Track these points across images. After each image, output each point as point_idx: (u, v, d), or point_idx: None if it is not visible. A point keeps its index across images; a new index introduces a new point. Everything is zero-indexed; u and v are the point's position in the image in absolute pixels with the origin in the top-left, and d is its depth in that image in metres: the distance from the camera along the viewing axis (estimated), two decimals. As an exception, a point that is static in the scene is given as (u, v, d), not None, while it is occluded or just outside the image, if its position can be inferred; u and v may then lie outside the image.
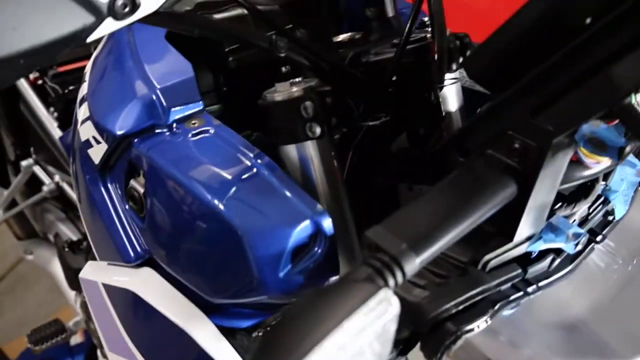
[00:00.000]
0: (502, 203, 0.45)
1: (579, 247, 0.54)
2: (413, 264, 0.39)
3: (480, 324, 0.47)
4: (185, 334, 0.61)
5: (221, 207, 0.55)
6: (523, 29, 0.43)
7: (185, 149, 0.61)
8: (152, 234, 0.65)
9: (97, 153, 0.69)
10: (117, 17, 0.43)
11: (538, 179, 0.45)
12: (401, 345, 0.49)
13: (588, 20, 0.38)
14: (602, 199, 0.58)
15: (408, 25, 0.60)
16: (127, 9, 0.44)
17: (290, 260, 0.54)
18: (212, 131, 0.62)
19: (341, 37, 0.73)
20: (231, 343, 0.61)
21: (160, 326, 0.63)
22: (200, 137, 0.62)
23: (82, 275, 0.81)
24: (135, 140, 0.64)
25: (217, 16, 0.74)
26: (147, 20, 0.46)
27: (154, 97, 0.64)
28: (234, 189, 0.56)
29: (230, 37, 0.54)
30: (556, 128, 0.42)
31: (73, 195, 1.30)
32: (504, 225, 0.49)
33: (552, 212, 0.51)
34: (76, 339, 1.71)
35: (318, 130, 0.58)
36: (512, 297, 0.49)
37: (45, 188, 1.45)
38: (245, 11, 0.70)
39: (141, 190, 0.65)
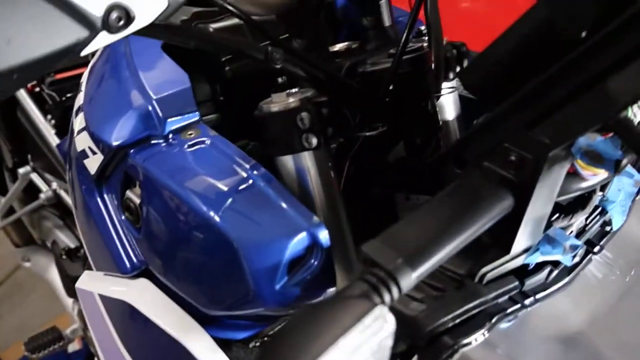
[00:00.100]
0: (498, 216, 0.44)
1: (577, 259, 0.54)
2: (409, 279, 0.38)
3: (477, 338, 0.46)
4: (181, 345, 0.60)
5: (217, 218, 0.55)
6: (518, 42, 0.42)
7: (181, 160, 0.61)
8: (148, 245, 0.64)
9: (93, 163, 0.69)
10: (111, 30, 0.43)
11: (535, 192, 0.45)
12: (398, 359, 0.48)
13: (583, 34, 0.38)
14: (599, 209, 0.57)
15: (405, 35, 0.60)
16: (121, 22, 0.43)
17: (286, 272, 0.54)
18: (208, 142, 0.62)
19: (338, 47, 0.73)
20: (227, 355, 0.61)
21: (156, 338, 0.63)
22: (196, 148, 0.62)
23: (78, 285, 0.81)
24: (131, 151, 0.64)
25: (214, 26, 0.73)
26: (142, 32, 0.46)
27: (150, 108, 0.64)
28: (229, 200, 0.56)
29: (226, 49, 0.54)
30: (552, 141, 0.42)
31: (70, 202, 1.30)
32: (500, 237, 0.48)
33: (549, 224, 0.51)
34: (74, 346, 1.70)
35: (314, 141, 0.58)
36: (509, 310, 0.49)
37: (42, 195, 1.44)
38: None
39: (137, 201, 0.64)
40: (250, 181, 0.57)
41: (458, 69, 0.71)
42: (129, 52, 0.72)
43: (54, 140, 1.31)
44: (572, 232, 0.55)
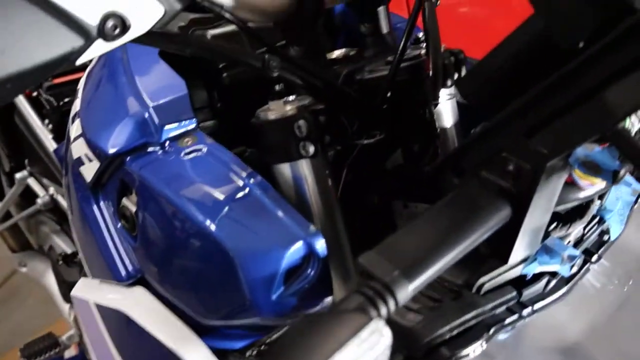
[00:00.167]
0: (496, 226, 0.44)
1: (575, 269, 0.53)
2: (406, 292, 0.38)
3: (475, 349, 0.46)
4: (177, 356, 0.60)
5: (213, 227, 0.54)
6: (516, 52, 0.42)
7: (178, 167, 0.61)
8: (144, 253, 0.64)
9: (89, 171, 0.68)
10: (107, 38, 0.43)
11: (532, 202, 0.44)
12: (395, 370, 0.48)
13: (581, 45, 0.38)
14: (597, 218, 0.57)
15: (402, 42, 0.60)
16: (117, 31, 0.43)
17: (283, 282, 0.53)
18: (205, 150, 0.62)
19: (335, 54, 0.73)
20: (224, 364, 0.60)
21: (152, 348, 0.62)
22: (193, 155, 0.61)
23: (73, 292, 0.80)
24: (128, 158, 0.63)
25: (211, 32, 0.73)
26: (138, 40, 0.46)
27: (147, 115, 0.64)
28: (226, 209, 0.55)
29: (223, 57, 0.53)
30: (550, 151, 0.42)
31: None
32: (498, 247, 0.48)
33: (547, 233, 0.51)
34: (70, 353, 1.69)
35: (312, 149, 0.58)
36: (507, 321, 0.49)
37: (39, 200, 1.44)
38: (240, 27, 0.70)
39: (133, 208, 0.64)
40: (247, 190, 0.57)
41: (456, 76, 0.71)
42: (126, 58, 0.72)
43: (51, 145, 1.30)
44: (569, 241, 0.55)
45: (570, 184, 0.48)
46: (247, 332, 0.64)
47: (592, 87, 0.38)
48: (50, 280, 1.62)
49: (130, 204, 0.65)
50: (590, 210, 0.54)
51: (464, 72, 0.72)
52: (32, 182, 1.48)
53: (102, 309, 0.73)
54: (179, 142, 0.63)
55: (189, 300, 0.61)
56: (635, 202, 0.59)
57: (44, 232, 1.59)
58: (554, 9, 0.37)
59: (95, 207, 0.70)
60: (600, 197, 0.56)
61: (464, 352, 0.45)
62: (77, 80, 0.84)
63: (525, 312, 0.50)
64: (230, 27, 0.75)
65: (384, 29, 0.72)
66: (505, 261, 0.48)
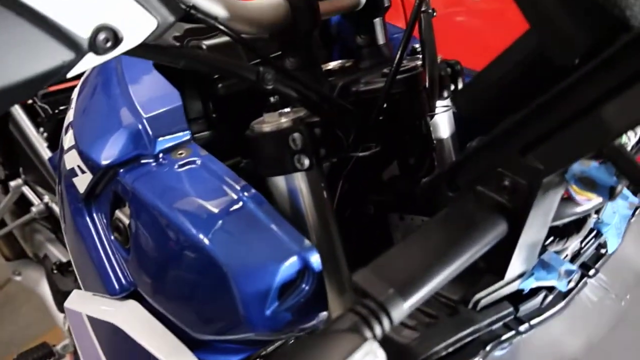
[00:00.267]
0: (492, 242, 0.43)
1: (572, 284, 0.53)
2: (401, 310, 0.37)
3: (471, 366, 0.45)
4: (170, 370, 0.59)
5: (206, 241, 0.54)
6: (511, 68, 0.42)
7: (171, 180, 0.60)
8: (137, 266, 0.63)
9: (82, 182, 0.68)
10: (99, 52, 0.42)
11: (529, 217, 0.44)
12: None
13: (576, 61, 0.37)
14: (594, 232, 0.57)
15: (398, 55, 0.60)
16: (109, 44, 0.43)
17: (277, 297, 0.53)
18: (198, 162, 0.61)
19: (331, 65, 0.72)
20: (217, 379, 0.60)
21: (145, 362, 0.61)
22: (187, 168, 0.61)
23: (66, 304, 0.79)
24: (121, 170, 0.63)
25: (207, 43, 0.73)
26: (131, 53, 0.45)
27: (140, 127, 0.63)
28: (219, 223, 0.55)
29: (217, 69, 0.53)
30: (546, 167, 0.41)
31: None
32: (494, 262, 0.47)
33: (543, 248, 0.50)
34: (65, 362, 1.68)
35: (307, 162, 0.57)
36: (503, 337, 0.48)
37: (34, 209, 1.43)
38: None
39: (126, 221, 0.63)
40: (241, 203, 0.56)
41: (452, 87, 0.71)
42: (120, 68, 0.72)
43: (46, 153, 1.30)
44: (567, 255, 0.54)
45: (567, 199, 0.47)
46: (240, 347, 0.63)
47: (588, 103, 0.37)
48: (45, 289, 1.61)
49: (123, 216, 0.64)
50: (587, 224, 0.54)
51: (460, 83, 0.72)
52: (26, 190, 1.47)
53: (94, 321, 0.72)
54: (172, 154, 0.62)
55: (181, 314, 0.60)
56: (632, 215, 0.59)
57: (39, 241, 1.58)
58: (549, 26, 0.36)
59: (88, 219, 0.69)
60: (597, 210, 0.55)
61: (460, 369, 0.45)
62: (73, 88, 0.84)
63: (522, 327, 0.49)
64: (226, 38, 0.74)
65: (380, 40, 0.72)
66: (502, 276, 0.48)
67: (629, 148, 0.46)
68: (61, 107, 1.32)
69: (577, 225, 0.54)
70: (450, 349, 0.46)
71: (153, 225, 0.59)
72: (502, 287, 0.49)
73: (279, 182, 0.60)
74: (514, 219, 0.44)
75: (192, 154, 0.62)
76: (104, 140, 0.64)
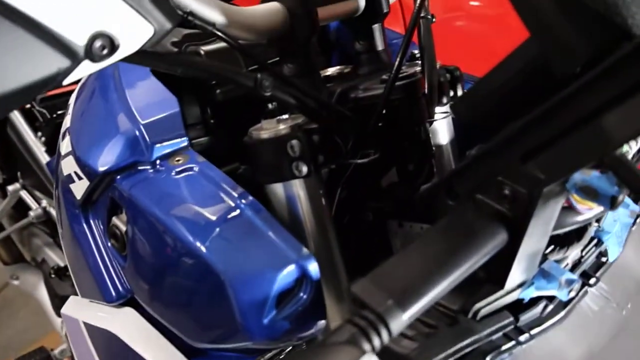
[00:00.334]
0: (492, 251, 0.43)
1: (572, 294, 0.52)
2: (399, 321, 0.37)
3: (471, 377, 0.45)
4: (167, 379, 0.58)
5: (203, 249, 0.53)
6: (511, 76, 0.42)
7: (169, 187, 0.60)
8: (134, 273, 0.63)
9: (79, 188, 0.67)
10: (95, 59, 0.42)
11: (529, 226, 0.43)
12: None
13: (577, 70, 0.37)
14: (595, 240, 0.56)
15: (397, 61, 0.59)
16: (105, 51, 0.42)
17: (274, 305, 0.52)
18: (196, 169, 0.61)
19: (330, 71, 0.72)
20: (214, 388, 0.59)
21: (141, 371, 0.61)
22: (184, 175, 0.60)
23: (63, 311, 0.79)
24: (118, 177, 0.62)
25: (205, 48, 0.73)
26: (127, 60, 0.45)
27: (137, 133, 0.63)
28: (217, 230, 0.54)
29: (214, 76, 0.53)
30: (546, 176, 0.41)
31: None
32: (494, 271, 0.47)
33: (544, 257, 0.50)
34: (62, 367, 1.67)
35: (305, 169, 0.57)
36: (503, 347, 0.47)
37: (32, 213, 1.42)
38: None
39: (123, 228, 0.63)
40: (238, 211, 0.55)
41: (452, 93, 0.71)
42: (117, 73, 0.71)
43: (44, 157, 1.29)
44: (567, 264, 0.54)
45: (568, 208, 0.47)
46: (237, 355, 0.63)
47: (589, 112, 0.37)
48: (43, 293, 1.61)
49: (120, 223, 0.63)
50: (587, 233, 0.54)
51: (460, 90, 0.71)
52: (24, 194, 1.46)
53: (91, 328, 0.71)
54: (169, 161, 0.62)
55: (178, 322, 0.60)
56: (634, 223, 0.58)
57: (37, 245, 1.57)
58: (549, 35, 0.36)
59: (85, 225, 0.69)
60: (598, 219, 0.55)
61: (460, 380, 0.44)
62: (71, 93, 0.83)
63: (523, 337, 0.49)
64: (224, 44, 0.74)
65: (379, 46, 0.71)
66: (502, 286, 0.47)
67: (629, 156, 0.46)
68: (59, 112, 1.32)
69: (577, 233, 0.53)
70: (450, 360, 0.45)
71: (150, 232, 0.58)
72: (502, 296, 0.48)
73: (277, 189, 0.60)
74: (514, 228, 0.44)
75: (190, 160, 0.62)
76: (101, 147, 0.64)
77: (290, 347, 0.63)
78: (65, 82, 0.42)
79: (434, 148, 0.68)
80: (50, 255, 1.52)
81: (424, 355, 0.45)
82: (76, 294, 0.79)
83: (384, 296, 0.37)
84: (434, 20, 0.71)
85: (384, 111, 0.61)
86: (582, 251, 0.56)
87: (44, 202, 1.42)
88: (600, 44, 0.36)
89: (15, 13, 0.37)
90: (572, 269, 0.55)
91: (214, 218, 0.55)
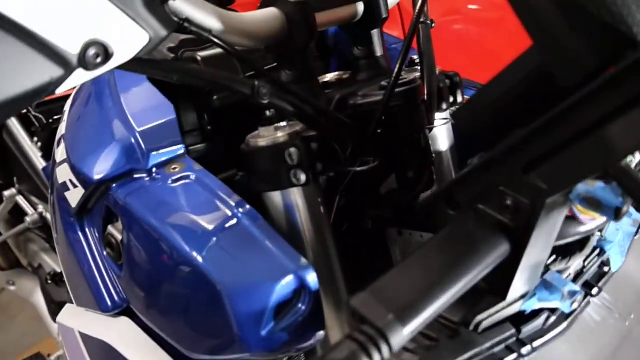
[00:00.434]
0: (495, 263, 0.42)
1: (575, 305, 0.51)
2: (400, 337, 0.36)
3: (472, 391, 0.44)
4: (163, 391, 0.58)
5: (200, 259, 0.52)
6: (513, 85, 0.41)
7: (165, 195, 0.59)
8: (130, 283, 0.62)
9: (74, 197, 0.66)
10: (89, 67, 0.41)
11: (532, 237, 0.43)
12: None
13: (581, 79, 0.36)
14: (597, 250, 0.55)
15: (397, 68, 0.58)
16: (99, 59, 0.41)
17: (272, 316, 0.51)
18: (192, 177, 0.60)
19: (328, 77, 0.71)
20: (211, 400, 0.58)
21: (137, 382, 0.60)
22: (181, 183, 0.59)
23: (59, 320, 0.78)
24: (113, 185, 0.61)
25: (202, 54, 0.72)
26: (122, 67, 0.44)
27: (133, 141, 0.62)
28: (213, 240, 0.53)
29: (211, 84, 0.52)
30: (550, 187, 0.40)
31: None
32: (496, 283, 0.46)
33: (546, 267, 0.49)
34: (59, 372, 1.66)
35: (303, 177, 0.56)
36: (505, 360, 0.47)
37: (28, 219, 1.41)
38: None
39: (119, 236, 0.62)
40: (236, 220, 0.55)
41: (451, 99, 0.70)
42: (112, 79, 0.70)
43: (40, 163, 1.28)
44: (569, 274, 0.53)
45: (571, 218, 0.46)
46: (235, 367, 0.62)
47: (593, 122, 0.36)
48: (40, 299, 1.59)
49: (115, 231, 0.63)
50: (590, 242, 0.53)
51: (459, 96, 0.71)
52: (20, 200, 1.45)
53: (86, 338, 0.70)
54: (166, 169, 0.61)
55: (175, 333, 0.59)
56: (636, 233, 0.57)
57: (33, 250, 1.56)
58: (553, 44, 0.35)
59: (80, 234, 0.68)
60: (601, 228, 0.54)
61: (462, 395, 0.43)
62: (68, 97, 0.82)
63: (525, 350, 0.48)
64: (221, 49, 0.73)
65: (378, 51, 0.71)
66: (504, 297, 0.46)
67: (633, 165, 0.45)
68: (55, 117, 1.31)
69: (580, 243, 0.52)
70: (451, 374, 0.44)
71: (146, 241, 0.58)
72: (504, 308, 0.48)
73: (275, 197, 0.59)
74: (516, 239, 0.43)
75: (186, 168, 0.61)
76: (96, 155, 0.63)
77: (288, 359, 0.63)
78: (58, 91, 0.41)
79: (433, 155, 0.67)
80: (47, 260, 1.51)
81: (425, 369, 0.44)
82: (72, 301, 0.78)
83: (384, 311, 0.37)
84: (433, 25, 0.70)
85: (383, 118, 0.60)
86: (584, 261, 0.55)
87: (41, 208, 1.41)
88: (605, 53, 0.35)
89: (7, 21, 0.36)
90: (575, 279, 0.54)
91: (210, 227, 0.54)
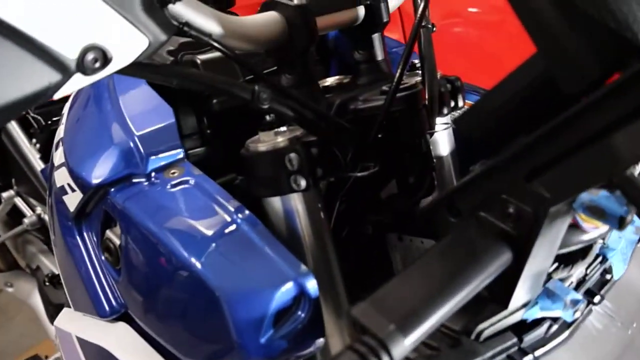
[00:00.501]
0: (497, 272, 0.42)
1: (577, 314, 0.51)
2: (402, 347, 0.36)
3: (474, 401, 0.44)
4: (160, 398, 0.57)
5: (198, 265, 0.52)
6: (516, 92, 0.40)
7: (163, 200, 0.58)
8: (127, 288, 0.61)
9: (72, 201, 0.66)
10: (87, 72, 0.41)
11: (534, 246, 0.42)
12: None
13: (585, 87, 0.36)
14: (600, 257, 0.55)
15: (398, 72, 0.58)
16: (97, 64, 0.41)
17: (272, 324, 0.51)
18: (192, 182, 0.59)
19: (329, 81, 0.71)
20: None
21: (134, 389, 0.59)
22: (180, 188, 0.59)
23: (57, 324, 0.77)
24: (112, 189, 0.61)
25: (201, 57, 0.71)
26: (121, 72, 0.43)
27: (132, 145, 0.61)
28: (213, 245, 0.53)
29: (210, 88, 0.51)
30: (552, 195, 0.40)
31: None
32: (498, 292, 0.46)
33: (548, 276, 0.49)
34: (57, 374, 1.65)
35: (303, 183, 0.55)
36: (507, 369, 0.46)
37: (26, 220, 1.41)
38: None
39: (117, 241, 0.61)
40: (235, 225, 0.54)
41: (452, 103, 0.70)
42: (111, 83, 0.70)
43: (38, 164, 1.28)
44: (572, 282, 0.53)
45: (574, 226, 0.46)
46: (234, 374, 0.61)
47: (598, 131, 0.36)
48: (37, 301, 1.59)
49: (113, 236, 0.62)
50: (593, 250, 0.52)
51: (460, 100, 0.70)
52: (19, 201, 1.45)
53: (84, 343, 0.70)
54: (165, 173, 0.60)
55: (173, 339, 0.58)
56: (639, 240, 0.57)
57: (31, 252, 1.56)
58: (557, 51, 0.35)
59: (78, 238, 0.67)
60: (603, 236, 0.54)
61: (463, 405, 0.43)
62: (67, 99, 0.82)
63: (527, 359, 0.47)
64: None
65: (379, 56, 0.70)
66: (506, 306, 0.46)
67: (637, 174, 0.44)
68: (54, 118, 1.31)
69: (582, 251, 0.52)
70: (452, 383, 0.44)
71: (144, 246, 0.57)
72: (505, 317, 0.47)
73: (275, 202, 0.58)
74: (518, 247, 0.42)
75: (185, 173, 0.60)
76: (95, 159, 0.62)
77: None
78: (56, 96, 0.41)
79: (434, 160, 0.67)
80: (45, 262, 1.51)
81: (426, 379, 0.44)
82: (70, 305, 0.77)
83: (385, 321, 0.36)
84: (434, 29, 0.69)
85: (384, 123, 0.60)
86: (586, 269, 0.54)
87: (39, 209, 1.40)
88: (610, 60, 0.35)
89: (5, 26, 0.35)
90: (577, 287, 0.54)
91: (209, 233, 0.54)
